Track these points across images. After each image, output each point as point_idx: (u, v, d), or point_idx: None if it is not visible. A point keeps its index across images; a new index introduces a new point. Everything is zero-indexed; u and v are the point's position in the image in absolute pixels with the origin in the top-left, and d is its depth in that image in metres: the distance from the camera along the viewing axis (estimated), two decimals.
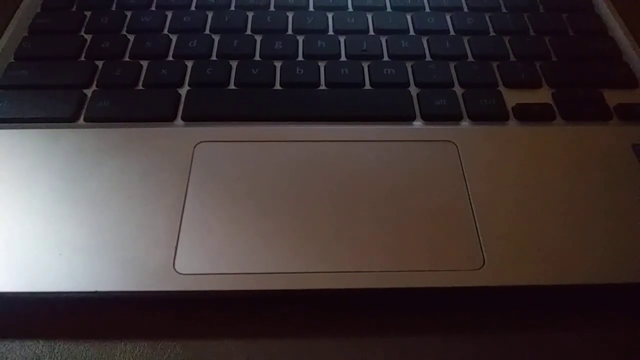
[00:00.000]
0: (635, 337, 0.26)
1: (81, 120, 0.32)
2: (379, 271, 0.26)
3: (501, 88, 0.34)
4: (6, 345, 0.26)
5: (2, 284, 0.25)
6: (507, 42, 0.37)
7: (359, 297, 0.27)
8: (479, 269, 0.26)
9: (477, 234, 0.27)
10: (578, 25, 0.38)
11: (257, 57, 0.35)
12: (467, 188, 0.29)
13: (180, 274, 0.25)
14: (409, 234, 0.27)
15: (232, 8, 0.38)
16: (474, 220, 0.27)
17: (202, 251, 0.26)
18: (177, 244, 0.26)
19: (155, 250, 0.26)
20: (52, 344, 0.26)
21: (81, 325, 0.26)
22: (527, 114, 0.32)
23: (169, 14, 0.37)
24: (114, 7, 0.38)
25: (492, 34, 0.37)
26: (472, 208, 0.28)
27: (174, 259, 0.26)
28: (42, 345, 0.26)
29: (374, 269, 0.26)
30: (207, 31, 0.37)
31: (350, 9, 0.39)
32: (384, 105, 0.33)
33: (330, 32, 0.37)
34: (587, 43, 0.37)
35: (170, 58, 0.35)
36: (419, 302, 0.27)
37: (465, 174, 0.29)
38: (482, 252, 0.26)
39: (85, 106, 0.32)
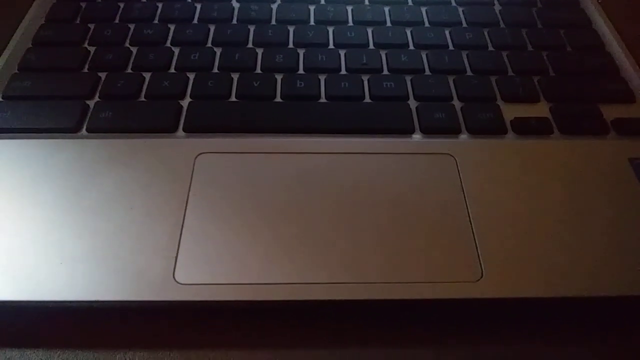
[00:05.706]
0: (633, 348, 0.27)
1: (83, 131, 0.32)
2: (377, 282, 0.26)
3: (499, 102, 0.34)
4: (6, 354, 0.26)
5: (2, 293, 0.25)
6: (505, 57, 0.37)
7: (357, 308, 0.27)
8: (477, 280, 0.26)
9: (476, 245, 0.27)
10: (576, 41, 0.39)
11: (258, 70, 0.36)
12: (465, 200, 0.29)
13: (180, 284, 0.26)
14: (407, 245, 0.27)
15: (234, 21, 0.39)
16: (472, 232, 0.28)
17: (202, 261, 0.26)
18: (177, 254, 0.26)
19: (156, 260, 0.26)
20: (52, 353, 0.26)
21: (81, 335, 0.26)
22: (525, 128, 0.33)
23: (172, 27, 0.38)
24: (117, 20, 0.38)
25: (490, 48, 0.38)
26: (470, 220, 0.28)
27: (174, 269, 0.26)
28: (42, 354, 0.26)
29: (373, 280, 0.26)
30: (209, 44, 0.37)
31: (351, 24, 0.39)
32: (383, 118, 0.33)
33: (331, 46, 0.37)
34: (584, 58, 0.37)
35: (172, 70, 0.35)
36: (416, 313, 0.27)
37: (463, 187, 0.30)
38: (481, 264, 0.27)
39: (88, 117, 0.32)
